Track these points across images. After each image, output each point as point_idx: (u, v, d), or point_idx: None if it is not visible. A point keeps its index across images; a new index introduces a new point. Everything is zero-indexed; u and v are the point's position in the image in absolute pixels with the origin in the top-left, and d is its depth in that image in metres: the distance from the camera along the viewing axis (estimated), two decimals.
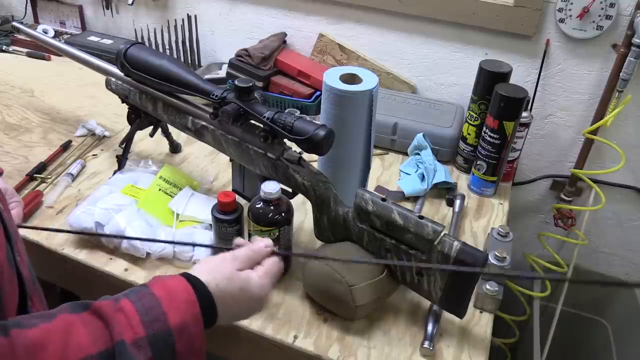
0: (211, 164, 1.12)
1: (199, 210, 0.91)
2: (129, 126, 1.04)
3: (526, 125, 1.05)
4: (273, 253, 0.63)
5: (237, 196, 0.82)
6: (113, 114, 1.27)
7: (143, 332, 0.48)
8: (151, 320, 0.48)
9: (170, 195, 0.93)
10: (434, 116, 1.19)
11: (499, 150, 1.01)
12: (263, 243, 0.62)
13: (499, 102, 0.97)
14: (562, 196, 1.28)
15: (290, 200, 0.81)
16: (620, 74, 1.05)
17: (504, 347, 1.36)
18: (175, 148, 1.14)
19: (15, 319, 0.46)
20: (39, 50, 1.56)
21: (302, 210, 0.97)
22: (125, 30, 1.64)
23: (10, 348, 0.42)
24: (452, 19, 1.20)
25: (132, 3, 1.54)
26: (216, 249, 0.82)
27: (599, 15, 1.07)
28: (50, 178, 1.05)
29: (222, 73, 1.45)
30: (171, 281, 0.53)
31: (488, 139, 1.01)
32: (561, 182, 1.28)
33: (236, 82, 0.78)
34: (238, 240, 0.65)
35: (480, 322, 0.80)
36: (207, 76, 1.43)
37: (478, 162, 1.06)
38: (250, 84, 0.78)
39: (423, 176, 1.06)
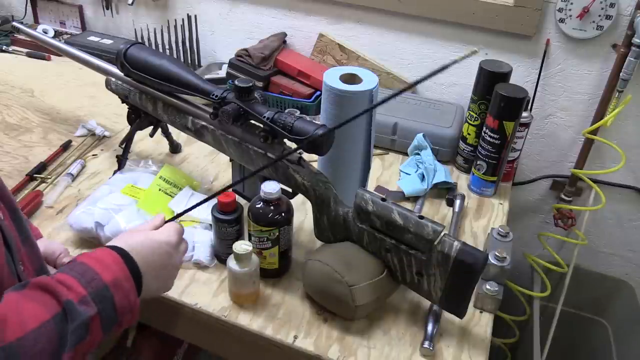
0: (211, 164, 1.12)
1: (199, 210, 0.90)
2: (129, 126, 1.04)
3: (526, 125, 1.05)
4: (167, 221, 0.70)
5: (237, 196, 0.82)
6: (113, 114, 1.27)
7: (84, 291, 0.53)
8: (88, 280, 0.54)
9: (170, 195, 0.93)
10: (434, 116, 1.19)
11: (499, 150, 1.01)
12: (158, 216, 0.70)
13: (499, 102, 0.97)
14: (562, 196, 1.28)
15: (290, 200, 0.81)
16: (620, 74, 1.05)
17: (504, 347, 1.36)
18: (175, 148, 1.14)
19: None
20: (39, 50, 1.56)
21: (302, 210, 0.97)
22: (125, 30, 1.64)
23: None
24: (452, 19, 1.20)
25: (132, 3, 1.54)
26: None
27: (599, 15, 1.07)
28: (50, 178, 1.05)
29: (222, 73, 1.45)
30: (94, 252, 0.59)
31: (488, 139, 1.01)
32: (561, 182, 1.28)
33: (236, 82, 0.78)
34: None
35: (480, 322, 0.80)
36: (207, 76, 1.43)
37: (478, 162, 1.06)
38: (250, 84, 0.78)
39: (423, 176, 1.06)
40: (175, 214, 0.71)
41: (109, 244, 0.63)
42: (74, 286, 0.53)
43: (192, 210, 0.70)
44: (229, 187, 0.72)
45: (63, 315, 0.51)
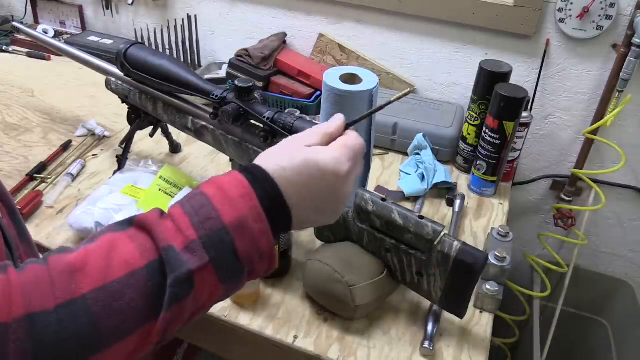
0: (211, 164, 1.12)
1: None
2: (129, 126, 1.04)
3: (526, 125, 1.05)
4: (348, 125, 0.53)
5: None
6: (113, 114, 1.27)
7: (194, 234, 0.42)
8: (202, 220, 0.43)
9: (170, 195, 0.93)
10: (434, 116, 1.19)
11: (499, 150, 1.01)
12: (338, 119, 0.53)
13: (499, 102, 0.97)
14: (562, 196, 1.28)
15: None
16: (620, 74, 1.05)
17: (504, 347, 1.36)
18: (175, 148, 1.14)
19: (60, 248, 0.44)
20: (39, 50, 1.56)
21: None
22: (125, 30, 1.64)
23: (48, 274, 0.39)
24: (452, 19, 1.20)
25: (132, 3, 1.55)
26: None
27: (599, 15, 1.07)
28: (50, 178, 1.05)
29: (222, 73, 1.45)
30: (224, 177, 0.46)
31: (488, 139, 1.01)
32: (561, 182, 1.28)
33: (236, 82, 0.78)
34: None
35: (480, 322, 0.80)
36: (207, 76, 1.43)
37: (478, 162, 1.06)
38: (250, 84, 0.78)
39: (423, 176, 1.06)
40: (357, 118, 0.55)
41: (257, 158, 0.49)
42: (183, 226, 0.42)
43: None
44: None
45: (160, 265, 0.41)
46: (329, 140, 0.51)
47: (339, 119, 0.53)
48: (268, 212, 0.45)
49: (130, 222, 0.44)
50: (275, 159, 0.48)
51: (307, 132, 0.51)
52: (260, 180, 0.46)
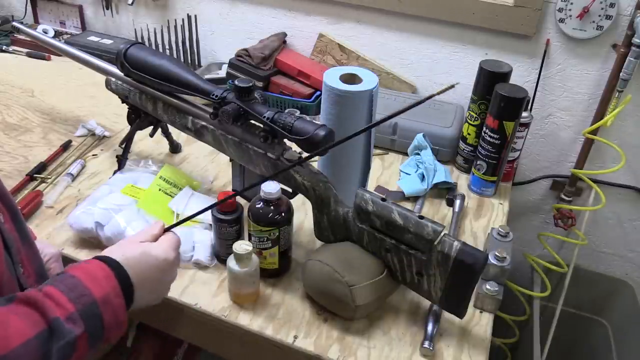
0: (211, 164, 1.12)
1: (199, 210, 0.91)
2: (129, 126, 1.04)
3: (526, 125, 1.05)
4: (166, 229, 0.69)
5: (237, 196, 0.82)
6: (113, 114, 1.27)
7: (73, 307, 0.51)
8: (77, 296, 0.52)
9: (170, 195, 0.93)
10: (434, 116, 1.19)
11: (499, 150, 1.01)
12: (157, 224, 0.69)
13: (499, 102, 0.97)
14: (562, 196, 1.28)
15: (290, 200, 0.81)
16: (620, 74, 1.05)
17: (504, 347, 1.36)
18: (175, 148, 1.14)
19: None
20: (39, 50, 1.56)
21: (302, 210, 0.97)
22: (125, 30, 1.64)
23: None
24: (452, 19, 1.20)
25: (132, 3, 1.55)
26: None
27: (599, 15, 1.07)
28: (50, 178, 1.05)
29: (222, 73, 1.45)
30: (86, 263, 0.57)
31: (488, 139, 1.01)
32: (561, 182, 1.29)
33: (236, 82, 0.78)
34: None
35: (480, 322, 0.80)
36: (207, 76, 1.43)
37: (478, 162, 1.06)
38: (250, 84, 0.78)
39: (423, 176, 1.06)
40: (174, 222, 0.70)
41: (104, 253, 0.61)
42: (62, 302, 0.51)
43: (193, 211, 0.70)
44: (235, 194, 0.73)
45: (49, 333, 0.49)
46: (155, 239, 0.67)
47: (158, 226, 0.68)
48: (122, 291, 0.57)
49: (10, 299, 0.51)
50: (120, 252, 0.61)
51: (138, 234, 0.67)
52: (115, 267, 0.58)
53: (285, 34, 1.40)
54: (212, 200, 0.93)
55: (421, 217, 0.72)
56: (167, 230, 0.69)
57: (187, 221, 0.70)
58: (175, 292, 0.81)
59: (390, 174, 1.13)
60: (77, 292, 0.53)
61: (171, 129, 1.05)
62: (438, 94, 0.57)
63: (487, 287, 0.80)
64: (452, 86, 0.59)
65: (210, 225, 0.85)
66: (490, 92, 0.99)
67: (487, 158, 1.03)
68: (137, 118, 1.02)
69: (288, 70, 1.32)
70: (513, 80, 1.04)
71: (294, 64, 1.31)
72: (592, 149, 1.19)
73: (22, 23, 1.43)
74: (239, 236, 0.84)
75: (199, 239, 0.87)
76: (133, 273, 0.59)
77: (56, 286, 0.53)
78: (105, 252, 0.61)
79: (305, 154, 0.78)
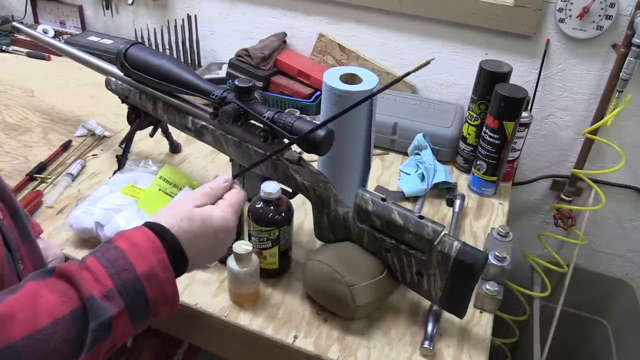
0: (211, 164, 1.12)
1: None
2: (129, 126, 1.04)
3: (526, 125, 1.05)
4: (232, 186, 0.63)
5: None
6: (113, 114, 1.27)
7: (111, 283, 0.48)
8: (118, 271, 0.49)
9: (170, 195, 0.93)
10: (434, 116, 1.19)
11: (499, 150, 1.01)
12: (221, 179, 0.63)
13: (499, 102, 0.97)
14: (562, 196, 1.28)
15: (290, 200, 0.81)
16: (620, 74, 1.05)
17: (504, 347, 1.36)
18: (175, 148, 1.14)
19: None
20: (39, 50, 1.56)
21: (302, 210, 0.97)
22: (125, 30, 1.64)
23: None
24: (452, 19, 1.20)
25: (132, 3, 1.54)
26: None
27: (599, 15, 1.07)
28: (50, 178, 1.05)
29: (222, 73, 1.45)
30: (134, 232, 0.53)
31: (488, 139, 1.01)
32: (561, 182, 1.29)
33: (236, 82, 0.78)
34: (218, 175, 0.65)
35: (480, 322, 0.80)
36: (207, 76, 1.43)
37: (478, 162, 1.06)
38: (250, 84, 0.78)
39: (423, 176, 1.06)
40: (242, 170, 0.64)
41: (157, 216, 0.56)
42: (100, 276, 0.48)
43: None
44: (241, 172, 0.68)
45: (82, 312, 0.46)
46: (215, 198, 0.61)
47: (225, 181, 0.62)
48: (172, 264, 0.52)
49: (50, 272, 0.49)
50: (175, 220, 0.56)
51: (195, 192, 0.60)
52: (165, 237, 0.53)
53: (285, 34, 1.40)
54: None
55: (421, 217, 0.72)
56: (235, 177, 0.63)
57: (249, 170, 0.65)
58: None
59: (390, 174, 1.13)
60: (118, 266, 0.49)
61: (171, 129, 1.05)
62: (414, 70, 0.58)
63: (487, 287, 0.80)
64: (429, 62, 0.59)
65: None
66: (490, 92, 0.99)
67: (487, 158, 1.03)
68: (137, 118, 1.02)
69: (288, 70, 1.32)
70: (513, 80, 1.04)
71: (294, 64, 1.31)
72: (592, 149, 1.19)
73: (22, 23, 1.43)
74: (239, 236, 0.84)
75: None
76: (187, 245, 0.55)
77: (98, 258, 0.50)
78: (160, 216, 0.56)
79: (305, 154, 0.78)
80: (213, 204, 0.61)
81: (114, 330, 0.47)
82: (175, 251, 0.54)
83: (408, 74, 0.59)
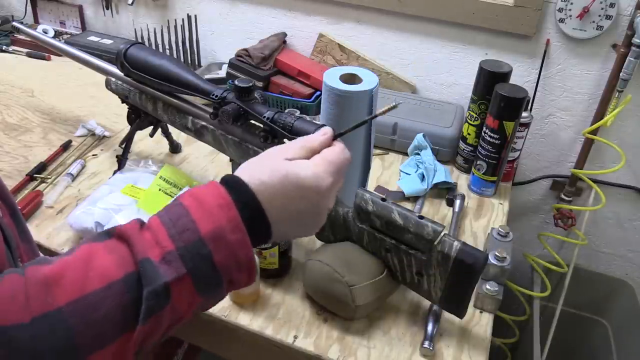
0: (211, 164, 1.12)
1: None
2: (129, 126, 1.04)
3: (526, 125, 1.05)
4: (331, 144, 0.53)
5: None
6: (113, 114, 1.27)
7: (171, 245, 0.42)
8: (179, 231, 0.43)
9: (170, 195, 0.93)
10: (434, 116, 1.19)
11: (499, 150, 1.01)
12: (320, 132, 0.54)
13: (499, 102, 0.97)
14: (562, 196, 1.28)
15: None
16: (620, 74, 1.05)
17: (504, 347, 1.36)
18: (175, 148, 1.14)
19: (39, 258, 0.44)
20: (39, 50, 1.56)
21: None
22: (125, 30, 1.64)
23: (24, 286, 0.39)
24: (452, 19, 1.20)
25: (132, 3, 1.54)
26: None
27: (599, 15, 1.07)
28: (50, 178, 1.05)
29: (222, 73, 1.45)
30: (202, 187, 0.46)
31: (488, 139, 1.01)
32: (561, 182, 1.29)
33: (236, 82, 0.78)
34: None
35: (480, 322, 0.80)
36: (207, 76, 1.43)
37: (478, 162, 1.06)
38: (250, 84, 0.78)
39: (423, 176, 1.06)
40: (349, 128, 0.56)
41: (238, 171, 0.49)
42: (160, 237, 0.43)
43: None
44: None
45: (137, 277, 0.41)
46: (312, 154, 0.51)
47: (324, 133, 0.53)
48: (247, 223, 0.45)
49: (110, 233, 0.44)
50: (256, 172, 0.48)
51: (291, 144, 0.52)
52: (239, 192, 0.46)
53: (285, 34, 1.40)
54: None
55: (421, 217, 0.72)
56: (336, 137, 0.54)
57: (353, 129, 0.57)
58: None
59: (390, 174, 1.13)
60: (180, 225, 0.43)
61: (171, 129, 1.05)
62: (381, 113, 0.53)
63: (487, 287, 0.80)
64: (395, 106, 0.55)
65: None
66: (490, 92, 0.99)
67: (487, 158, 1.03)
68: (137, 118, 1.02)
69: (288, 70, 1.32)
70: (513, 80, 1.04)
71: (294, 64, 1.31)
72: (592, 149, 1.19)
73: (22, 23, 1.43)
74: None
75: None
76: (269, 202, 0.46)
77: (161, 217, 0.44)
78: (239, 170, 0.49)
79: None
80: (308, 159, 0.51)
81: (172, 299, 0.42)
82: (253, 209, 0.46)
83: (375, 116, 0.56)
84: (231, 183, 0.47)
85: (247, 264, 0.45)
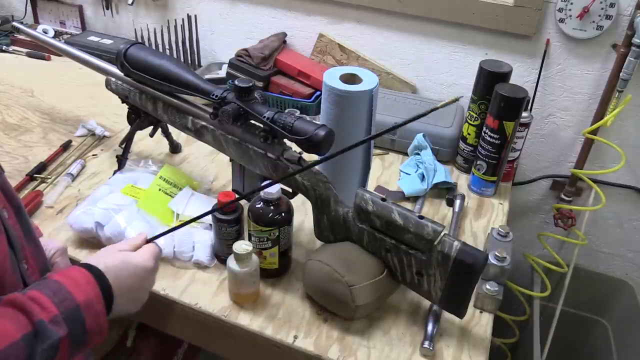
0: (211, 164, 1.12)
1: (199, 210, 0.90)
2: (129, 126, 1.04)
3: (526, 125, 1.05)
4: (149, 240, 0.71)
5: (237, 196, 0.82)
6: (113, 114, 1.27)
7: (56, 310, 0.52)
8: (61, 300, 0.53)
9: (170, 195, 0.93)
10: (434, 116, 1.18)
11: (499, 150, 1.01)
12: (141, 236, 0.71)
13: (499, 102, 0.97)
14: (562, 196, 1.28)
15: (290, 200, 0.81)
16: (620, 74, 1.05)
17: (504, 347, 1.36)
18: (175, 148, 1.14)
19: None
20: (39, 50, 1.56)
21: (302, 210, 0.97)
22: (125, 30, 1.64)
23: None
24: (452, 19, 1.20)
25: (132, 3, 1.55)
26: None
27: (599, 15, 1.07)
28: (50, 178, 1.05)
29: (222, 73, 1.45)
30: (69, 270, 0.59)
31: (488, 139, 1.01)
32: (561, 182, 1.28)
33: (236, 82, 0.78)
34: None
35: (480, 322, 0.80)
36: (207, 76, 1.43)
37: (478, 162, 1.06)
38: (250, 84, 0.78)
39: (423, 176, 1.06)
40: (155, 235, 0.72)
41: (86, 260, 0.63)
42: (46, 305, 0.52)
43: (193, 211, 0.70)
44: (238, 199, 0.73)
45: (33, 335, 0.50)
46: (136, 249, 0.69)
47: (140, 237, 0.71)
48: (103, 297, 0.58)
49: None
50: (101, 260, 0.62)
51: (119, 244, 0.69)
52: (95, 272, 0.59)
53: (285, 34, 1.40)
54: (212, 201, 0.93)
55: (421, 217, 0.72)
56: (149, 241, 0.71)
57: (167, 233, 0.72)
58: (176, 292, 0.81)
59: (390, 174, 1.13)
60: (61, 295, 0.54)
61: (171, 129, 1.05)
62: (442, 106, 0.60)
63: (487, 287, 0.80)
64: (457, 99, 0.63)
65: (210, 225, 0.85)
66: (490, 92, 0.99)
67: (487, 158, 1.03)
68: (137, 118, 1.02)
69: (288, 70, 1.32)
70: (513, 80, 1.04)
71: (294, 64, 1.31)
72: (592, 149, 1.19)
73: (22, 23, 1.43)
74: (239, 236, 0.84)
75: (199, 239, 0.87)
76: (113, 280, 0.61)
77: (40, 290, 0.54)
78: (87, 261, 0.63)
79: (305, 154, 0.78)
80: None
81: (59, 354, 0.52)
82: (104, 285, 0.59)
83: (435, 109, 0.63)
84: (90, 267, 0.60)
85: (103, 330, 0.58)
